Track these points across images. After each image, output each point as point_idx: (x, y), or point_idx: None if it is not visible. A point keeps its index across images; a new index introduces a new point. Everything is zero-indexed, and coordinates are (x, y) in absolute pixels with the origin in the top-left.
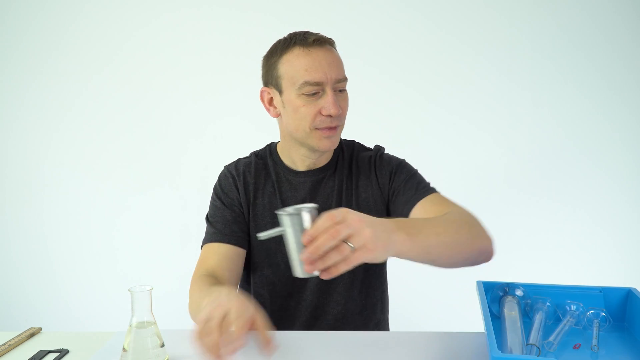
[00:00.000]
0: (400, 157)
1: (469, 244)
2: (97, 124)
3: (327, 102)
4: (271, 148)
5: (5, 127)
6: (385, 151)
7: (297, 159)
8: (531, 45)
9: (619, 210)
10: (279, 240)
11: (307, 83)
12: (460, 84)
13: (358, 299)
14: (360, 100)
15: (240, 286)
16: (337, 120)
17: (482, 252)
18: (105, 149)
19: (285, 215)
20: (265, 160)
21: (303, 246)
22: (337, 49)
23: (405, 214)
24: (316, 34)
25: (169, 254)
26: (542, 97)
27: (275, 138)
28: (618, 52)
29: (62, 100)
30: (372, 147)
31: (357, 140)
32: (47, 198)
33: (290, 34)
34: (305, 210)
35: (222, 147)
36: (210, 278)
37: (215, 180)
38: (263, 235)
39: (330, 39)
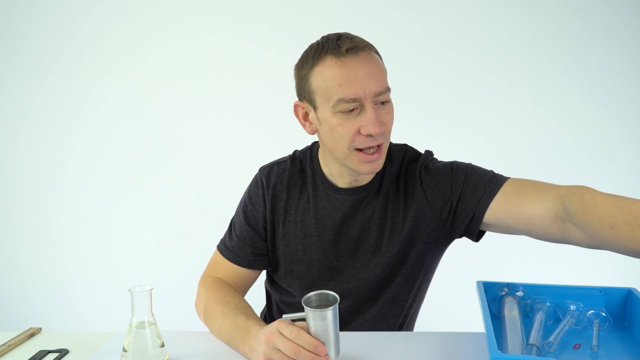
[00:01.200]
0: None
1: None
2: (98, 125)
3: (366, 119)
4: (313, 152)
5: (5, 128)
6: (434, 156)
7: (336, 175)
8: (531, 45)
9: None
10: (312, 263)
11: (342, 100)
12: (460, 84)
13: (391, 319)
14: None
15: (266, 290)
16: (380, 139)
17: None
18: (106, 149)
19: (310, 310)
20: (304, 165)
21: (328, 334)
22: (377, 52)
23: (479, 216)
24: (351, 39)
25: (169, 254)
26: (543, 96)
27: (279, 138)
28: (618, 51)
29: (62, 102)
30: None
31: (409, 145)
32: (47, 198)
33: (322, 39)
34: (331, 310)
35: (223, 147)
36: (223, 284)
37: (214, 179)
38: (287, 317)
39: (369, 43)
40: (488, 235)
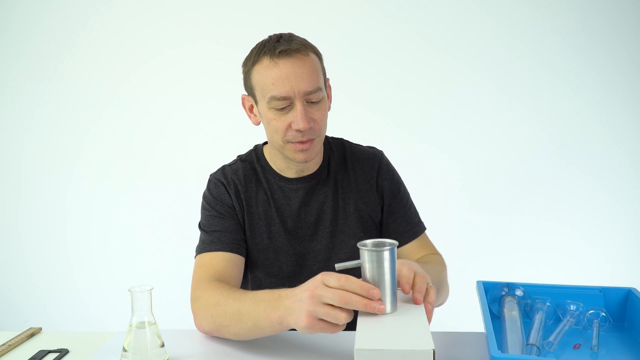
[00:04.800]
0: (399, 158)
1: (441, 294)
2: (98, 126)
3: (296, 116)
4: (257, 152)
5: (9, 130)
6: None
7: (284, 167)
8: (529, 46)
9: (619, 210)
10: (278, 250)
11: (274, 98)
12: (463, 84)
13: None
14: (361, 102)
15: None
16: (309, 134)
17: (442, 302)
18: (105, 149)
19: (367, 250)
20: (252, 165)
21: (385, 281)
22: (316, 53)
23: (385, 234)
24: (289, 42)
25: (169, 254)
26: (543, 96)
27: None
28: (617, 54)
29: (60, 100)
30: (361, 144)
31: (345, 138)
32: (46, 198)
33: (264, 40)
34: (388, 250)
35: (222, 147)
36: (220, 282)
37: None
38: (340, 265)
39: (304, 46)
40: (488, 235)
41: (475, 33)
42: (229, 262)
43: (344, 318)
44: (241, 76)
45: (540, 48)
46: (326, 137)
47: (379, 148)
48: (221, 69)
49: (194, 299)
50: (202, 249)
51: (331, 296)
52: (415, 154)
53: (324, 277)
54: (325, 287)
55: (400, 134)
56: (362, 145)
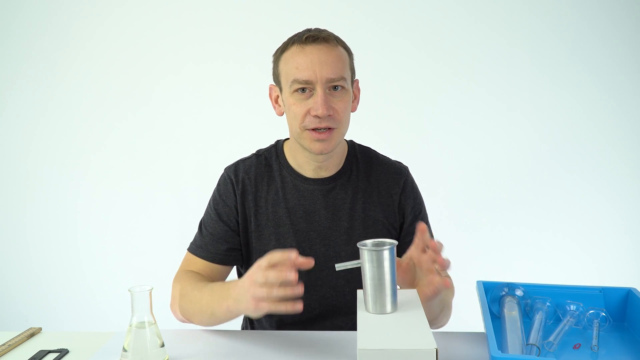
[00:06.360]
0: (397, 158)
1: (439, 316)
2: (101, 126)
3: (315, 101)
4: (277, 148)
5: (7, 129)
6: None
7: (303, 162)
8: (530, 47)
9: (619, 210)
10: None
11: (296, 81)
12: (463, 84)
13: None
14: (363, 100)
15: None
16: (327, 122)
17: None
18: (106, 150)
19: (367, 250)
20: (269, 161)
21: (384, 281)
22: (346, 49)
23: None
24: (316, 31)
25: (170, 255)
26: (544, 95)
27: (283, 136)
28: (617, 56)
29: (62, 100)
30: (388, 156)
31: (373, 148)
32: (46, 198)
33: (300, 31)
34: (388, 249)
35: (222, 147)
36: (195, 274)
37: (214, 178)
38: (340, 265)
39: (331, 35)
40: (488, 235)
41: (475, 35)
42: (211, 269)
43: (281, 292)
44: (245, 80)
45: (540, 50)
46: (353, 143)
47: (386, 153)
48: (226, 73)
49: (172, 287)
50: (191, 248)
51: (261, 275)
52: (414, 153)
53: (258, 261)
54: (259, 269)
55: (399, 133)
56: (389, 158)
